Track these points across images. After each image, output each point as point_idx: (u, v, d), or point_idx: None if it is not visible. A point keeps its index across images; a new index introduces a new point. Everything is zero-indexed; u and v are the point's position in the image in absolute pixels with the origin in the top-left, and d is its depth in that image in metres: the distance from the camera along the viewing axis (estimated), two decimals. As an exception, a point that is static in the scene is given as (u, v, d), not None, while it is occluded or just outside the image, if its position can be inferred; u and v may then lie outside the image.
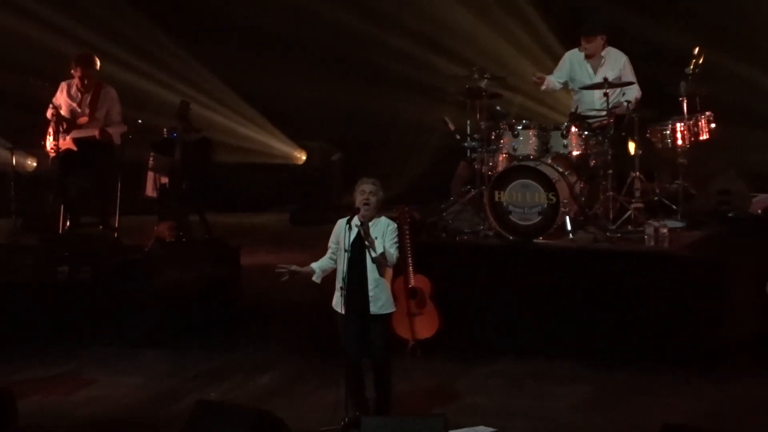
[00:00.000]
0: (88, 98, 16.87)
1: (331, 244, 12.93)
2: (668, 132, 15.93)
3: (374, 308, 12.81)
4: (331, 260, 12.90)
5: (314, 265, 12.97)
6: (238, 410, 12.83)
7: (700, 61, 15.93)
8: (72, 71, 16.96)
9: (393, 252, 12.79)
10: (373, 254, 12.70)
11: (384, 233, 12.82)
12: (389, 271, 13.14)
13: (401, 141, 19.25)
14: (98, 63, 17.07)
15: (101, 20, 20.70)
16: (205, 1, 21.00)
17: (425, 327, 14.45)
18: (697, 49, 15.95)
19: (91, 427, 13.67)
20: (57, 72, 17.84)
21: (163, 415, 13.73)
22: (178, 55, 20.74)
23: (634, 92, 16.04)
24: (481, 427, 13.15)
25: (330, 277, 12.98)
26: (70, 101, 16.87)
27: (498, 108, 16.13)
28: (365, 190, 12.84)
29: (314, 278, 12.99)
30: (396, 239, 12.88)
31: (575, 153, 15.73)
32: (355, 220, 12.77)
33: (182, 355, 15.39)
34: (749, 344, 14.56)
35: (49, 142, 16.82)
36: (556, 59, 17.08)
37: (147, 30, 20.72)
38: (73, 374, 14.94)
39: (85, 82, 16.87)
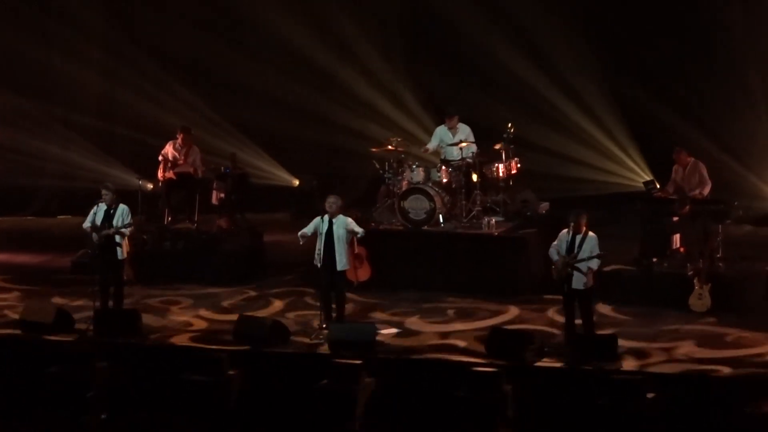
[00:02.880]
0: (185, 151, 16.53)
1: (309, 226, 13.10)
2: (494, 169, 15.73)
3: (339, 266, 13.06)
4: (304, 236, 13.07)
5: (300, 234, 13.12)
6: (261, 320, 13.23)
7: (512, 131, 15.80)
8: (177, 135, 16.59)
9: (359, 230, 13.13)
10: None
11: (346, 223, 13.11)
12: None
13: (353, 174, 18.69)
14: (192, 131, 16.75)
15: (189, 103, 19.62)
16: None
17: (363, 274, 14.32)
18: (510, 124, 15.83)
19: (184, 324, 13.80)
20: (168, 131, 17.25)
21: (224, 320, 13.86)
22: (227, 126, 19.75)
23: (473, 148, 15.85)
24: (394, 329, 13.46)
25: (311, 248, 13.11)
26: (174, 151, 16.55)
27: (402, 156, 15.96)
28: (329, 201, 13.14)
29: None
30: (353, 224, 13.15)
31: (444, 180, 15.57)
32: (326, 218, 13.03)
33: (233, 290, 15.24)
34: (535, 282, 14.64)
35: (160, 173, 16.57)
36: (431, 126, 16.89)
37: (206, 112, 19.46)
38: (172, 300, 14.84)
39: (183, 141, 16.56)
